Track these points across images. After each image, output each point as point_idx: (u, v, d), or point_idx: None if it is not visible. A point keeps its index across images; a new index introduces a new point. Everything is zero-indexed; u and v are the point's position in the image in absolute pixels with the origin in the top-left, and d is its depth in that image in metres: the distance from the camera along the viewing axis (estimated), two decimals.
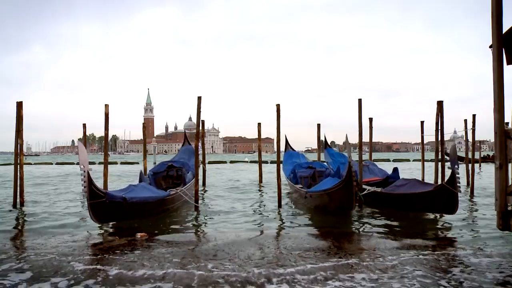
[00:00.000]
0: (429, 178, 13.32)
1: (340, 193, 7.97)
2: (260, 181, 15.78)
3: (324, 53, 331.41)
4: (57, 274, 4.71)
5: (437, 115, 11.75)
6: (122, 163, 47.24)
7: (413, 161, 47.77)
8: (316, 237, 6.76)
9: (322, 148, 16.15)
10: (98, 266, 4.99)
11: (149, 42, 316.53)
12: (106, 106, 10.08)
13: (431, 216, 8.60)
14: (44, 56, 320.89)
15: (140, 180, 10.47)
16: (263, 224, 8.02)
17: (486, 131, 58.62)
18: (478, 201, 10.83)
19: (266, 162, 36.01)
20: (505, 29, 4.45)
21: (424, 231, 7.23)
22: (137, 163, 44.08)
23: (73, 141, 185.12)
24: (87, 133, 15.51)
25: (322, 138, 16.52)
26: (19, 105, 9.42)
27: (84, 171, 6.70)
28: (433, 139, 12.39)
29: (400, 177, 10.53)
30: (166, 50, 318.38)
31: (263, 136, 16.01)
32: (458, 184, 7.33)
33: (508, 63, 4.80)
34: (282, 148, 12.74)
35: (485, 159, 33.88)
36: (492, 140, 4.57)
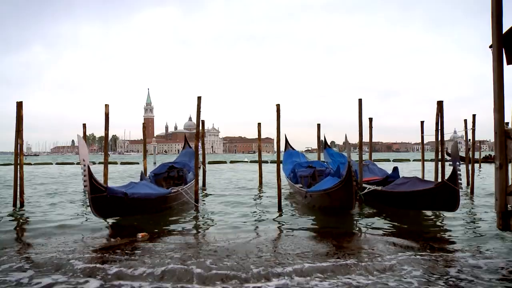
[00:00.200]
0: (429, 178, 13.28)
1: (340, 192, 7.97)
2: (260, 181, 15.79)
3: (324, 53, 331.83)
4: (57, 273, 4.72)
5: (437, 115, 11.75)
6: (122, 163, 47.25)
7: (413, 161, 47.78)
8: (315, 237, 6.76)
9: (322, 148, 16.15)
10: (98, 265, 4.99)
11: (149, 42, 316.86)
12: (106, 106, 10.09)
13: (431, 215, 8.60)
14: (44, 56, 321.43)
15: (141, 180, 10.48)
16: (262, 224, 8.02)
17: (486, 131, 58.69)
18: (478, 201, 10.83)
19: (266, 162, 36.02)
20: (505, 29, 4.45)
21: (423, 230, 7.22)
22: (137, 163, 44.11)
23: (73, 141, 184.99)
24: (87, 133, 15.52)
25: (322, 138, 16.53)
26: (19, 105, 9.42)
27: (85, 165, 6.68)
28: (433, 139, 12.39)
29: (400, 177, 10.53)
30: (166, 50, 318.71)
31: (263, 136, 16.01)
32: (459, 181, 7.33)
33: (508, 63, 4.80)
34: (282, 148, 12.74)
35: (487, 159, 33.85)
36: (492, 140, 4.57)
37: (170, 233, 7.25)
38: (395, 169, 11.24)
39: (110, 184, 10.76)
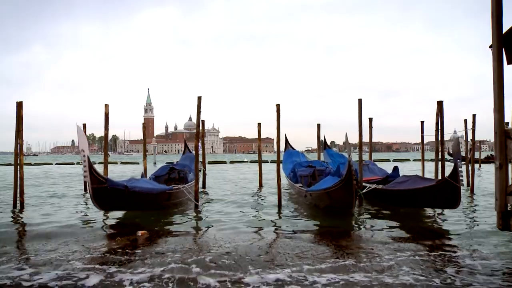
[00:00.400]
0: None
1: (340, 191, 7.94)
2: (260, 181, 15.79)
3: (324, 53, 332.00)
4: (57, 273, 4.71)
5: (437, 115, 11.74)
6: (122, 163, 47.26)
7: (413, 161, 47.78)
8: (315, 236, 6.76)
9: (321, 148, 16.15)
10: (98, 265, 4.99)
11: (149, 42, 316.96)
12: (106, 106, 10.09)
13: (430, 214, 8.60)
14: (44, 56, 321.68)
15: None
16: (262, 223, 8.01)
17: (486, 131, 58.70)
18: (478, 201, 10.82)
19: (267, 162, 36.01)
20: (505, 29, 4.44)
21: (422, 229, 7.22)
22: (137, 163, 44.11)
23: (73, 141, 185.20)
24: (87, 133, 15.51)
25: (322, 138, 16.53)
26: (19, 105, 9.41)
27: (84, 156, 6.65)
28: (433, 139, 12.39)
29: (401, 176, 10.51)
30: (166, 50, 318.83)
31: (263, 136, 16.00)
32: (460, 178, 7.32)
33: (508, 63, 4.80)
34: (282, 148, 12.74)
35: (489, 159, 33.78)
36: (492, 140, 4.56)
37: (170, 231, 7.27)
38: (395, 169, 11.24)
39: None
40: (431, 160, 23.74)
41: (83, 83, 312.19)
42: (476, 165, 18.53)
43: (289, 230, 7.30)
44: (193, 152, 11.78)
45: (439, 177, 11.56)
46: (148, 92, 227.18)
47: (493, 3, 4.35)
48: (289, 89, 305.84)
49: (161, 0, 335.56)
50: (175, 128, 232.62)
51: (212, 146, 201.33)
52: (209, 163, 32.25)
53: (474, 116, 13.79)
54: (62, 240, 6.53)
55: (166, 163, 16.50)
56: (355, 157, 10.98)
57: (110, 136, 13.84)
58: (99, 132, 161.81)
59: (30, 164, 39.87)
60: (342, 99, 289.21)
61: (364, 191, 9.71)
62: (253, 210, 9.84)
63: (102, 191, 6.92)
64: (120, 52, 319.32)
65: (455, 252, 5.64)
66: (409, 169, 24.54)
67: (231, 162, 50.29)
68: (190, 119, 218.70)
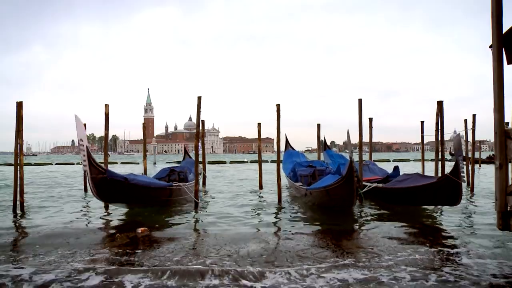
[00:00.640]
0: None
1: (341, 188, 7.89)
2: (260, 180, 15.79)
3: (324, 53, 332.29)
4: (57, 273, 4.71)
5: (437, 115, 11.74)
6: (122, 163, 47.26)
7: (413, 161, 47.74)
8: (315, 236, 6.77)
9: (321, 148, 16.15)
10: (97, 265, 4.99)
11: (149, 42, 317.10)
12: (106, 106, 10.08)
13: (430, 213, 8.59)
14: (44, 56, 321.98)
15: None
16: (262, 223, 8.02)
17: (486, 131, 58.73)
18: (478, 201, 10.82)
19: (267, 161, 36.00)
20: (505, 29, 4.44)
21: (422, 228, 7.21)
22: (137, 163, 44.11)
23: (73, 141, 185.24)
24: (87, 133, 15.51)
25: (322, 138, 16.52)
26: (19, 105, 9.41)
27: (83, 146, 6.62)
28: (433, 139, 12.38)
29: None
30: (166, 50, 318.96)
31: (263, 136, 15.99)
32: (462, 174, 7.33)
33: (508, 63, 4.79)
34: (282, 148, 12.74)
35: (491, 159, 33.70)
36: (492, 140, 4.56)
37: (169, 229, 7.28)
38: (396, 169, 11.21)
39: None
40: (431, 160, 23.75)
41: (83, 83, 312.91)
42: (476, 165, 18.51)
43: (289, 229, 7.29)
44: (193, 157, 11.82)
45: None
46: (148, 92, 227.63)
47: (493, 3, 4.35)
48: (289, 89, 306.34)
49: (161, 0, 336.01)
50: (175, 128, 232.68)
51: (212, 146, 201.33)
52: (209, 163, 32.25)
53: (474, 116, 13.79)
54: (62, 240, 6.52)
55: (166, 163, 16.55)
56: (355, 157, 10.98)
57: (110, 136, 13.83)
58: (99, 132, 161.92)
59: (30, 164, 39.86)
60: (342, 99, 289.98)
61: (365, 190, 9.69)
62: (253, 209, 9.84)
63: (102, 182, 6.91)
64: (120, 52, 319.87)
65: (454, 251, 5.64)
66: (409, 169, 24.55)
67: (231, 162, 50.27)
68: (190, 119, 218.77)
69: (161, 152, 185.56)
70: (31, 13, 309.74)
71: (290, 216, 8.82)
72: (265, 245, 6.05)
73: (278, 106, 10.25)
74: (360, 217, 8.39)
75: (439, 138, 11.78)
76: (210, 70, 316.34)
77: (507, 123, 5.65)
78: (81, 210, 9.91)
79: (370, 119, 13.19)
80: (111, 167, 9.31)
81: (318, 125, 16.66)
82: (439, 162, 11.82)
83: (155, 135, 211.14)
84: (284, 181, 13.55)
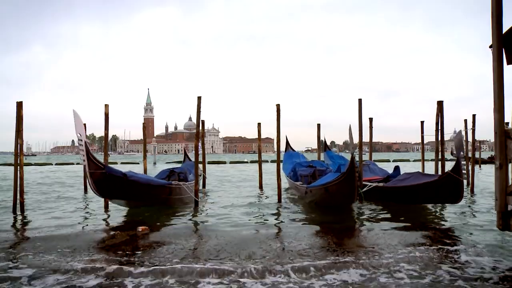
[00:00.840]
0: None
1: (342, 185, 7.87)
2: (260, 180, 15.81)
3: (324, 53, 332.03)
4: (56, 273, 4.71)
5: (437, 115, 11.74)
6: (122, 163, 47.25)
7: (413, 161, 47.78)
8: (315, 234, 6.78)
9: (321, 149, 16.16)
10: (97, 264, 4.98)
11: (149, 42, 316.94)
12: (106, 106, 10.07)
13: (430, 212, 8.59)
14: (44, 56, 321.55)
15: None
16: (262, 222, 8.02)
17: (486, 131, 58.71)
18: (478, 201, 10.82)
19: (267, 161, 36.01)
20: (505, 29, 4.45)
21: (422, 227, 7.21)
22: (137, 163, 44.11)
23: (73, 141, 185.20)
24: (87, 133, 15.52)
25: (322, 139, 16.53)
26: (19, 105, 9.41)
27: (81, 140, 6.61)
28: (433, 139, 12.38)
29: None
30: (166, 50, 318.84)
31: (263, 136, 16.00)
32: (463, 172, 7.34)
33: (508, 63, 4.80)
34: (282, 148, 12.74)
35: (492, 159, 33.66)
36: (492, 140, 4.57)
37: (170, 228, 7.30)
38: (396, 168, 11.20)
39: None
40: (431, 160, 23.75)
41: (83, 83, 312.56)
42: (476, 165, 18.52)
43: (290, 228, 7.29)
44: (193, 160, 11.85)
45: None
46: (148, 92, 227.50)
47: (493, 3, 4.35)
48: (289, 89, 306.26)
49: (161, 0, 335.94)
50: (175, 128, 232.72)
51: (212, 146, 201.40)
52: (209, 163, 32.25)
53: (474, 116, 13.80)
54: (62, 240, 6.52)
55: (166, 163, 16.58)
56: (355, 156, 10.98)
57: (110, 136, 13.84)
58: (99, 132, 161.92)
59: (30, 164, 39.87)
60: (342, 99, 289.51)
61: (365, 189, 9.69)
62: (253, 209, 9.84)
63: (101, 177, 6.91)
64: (120, 52, 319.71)
65: (453, 250, 5.64)
66: (409, 169, 24.54)
67: (231, 162, 50.27)
68: (190, 119, 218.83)
69: (161, 152, 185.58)
70: (31, 13, 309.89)
71: (291, 215, 8.82)
72: (265, 245, 6.05)
73: (278, 106, 10.25)
74: (360, 216, 8.39)
75: (439, 138, 11.79)
76: (210, 70, 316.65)
77: (507, 123, 5.65)
78: (81, 210, 9.92)
79: (370, 119, 13.19)
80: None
81: (318, 125, 16.67)
82: (439, 162, 11.82)
83: (155, 135, 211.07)
84: (284, 180, 13.54)
